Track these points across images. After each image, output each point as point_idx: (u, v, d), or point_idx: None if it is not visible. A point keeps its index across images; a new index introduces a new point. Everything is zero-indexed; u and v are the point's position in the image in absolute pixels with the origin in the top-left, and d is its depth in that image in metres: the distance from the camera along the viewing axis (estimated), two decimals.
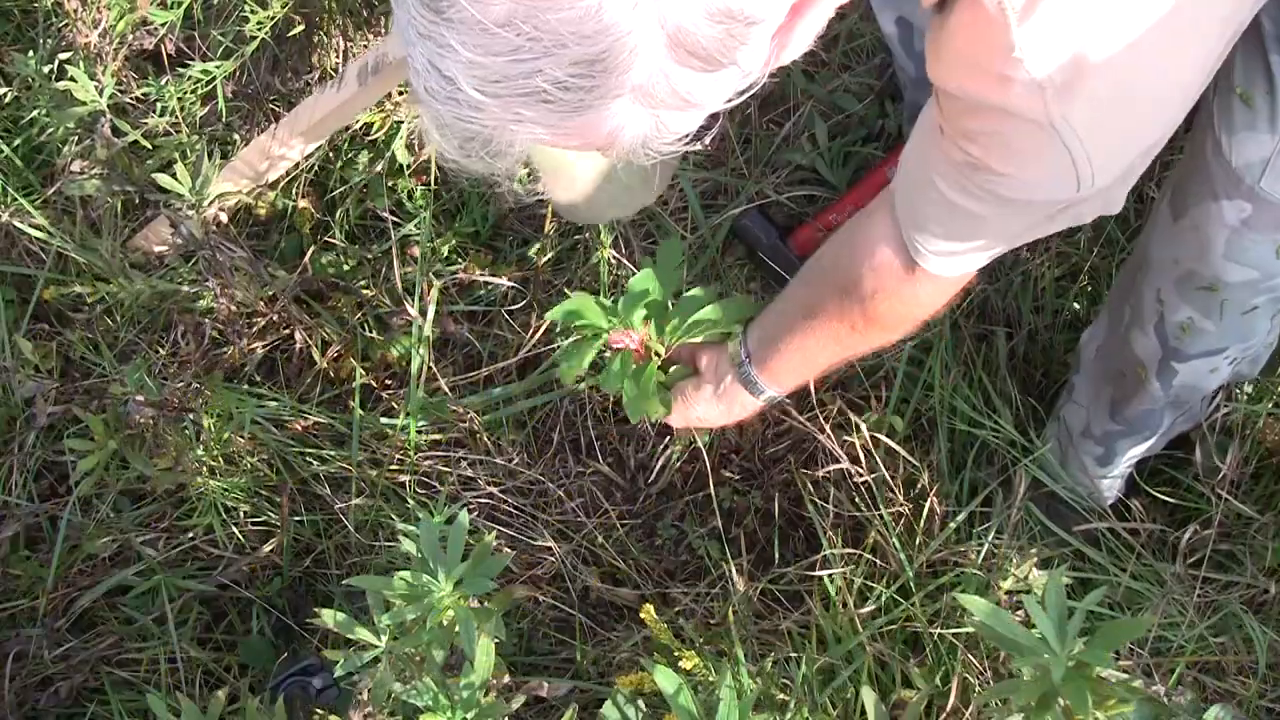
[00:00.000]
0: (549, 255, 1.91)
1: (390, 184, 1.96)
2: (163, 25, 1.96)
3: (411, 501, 1.76)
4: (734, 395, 1.51)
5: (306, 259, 1.88)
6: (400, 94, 1.97)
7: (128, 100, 1.99)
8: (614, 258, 1.86)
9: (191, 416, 1.68)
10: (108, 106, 1.82)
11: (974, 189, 1.10)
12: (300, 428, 1.79)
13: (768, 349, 1.46)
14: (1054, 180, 1.05)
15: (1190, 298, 1.31)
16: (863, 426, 1.63)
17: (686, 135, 0.86)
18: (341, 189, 1.97)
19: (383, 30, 1.99)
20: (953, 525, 1.57)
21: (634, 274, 1.84)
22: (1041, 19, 0.92)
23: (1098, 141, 1.01)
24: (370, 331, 1.87)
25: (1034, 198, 1.10)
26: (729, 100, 0.84)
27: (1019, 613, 1.15)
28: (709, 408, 1.54)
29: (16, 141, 1.95)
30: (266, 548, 1.75)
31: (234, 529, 1.76)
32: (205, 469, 1.72)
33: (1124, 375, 1.48)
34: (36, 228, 1.86)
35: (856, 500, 1.61)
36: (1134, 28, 0.94)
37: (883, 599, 1.54)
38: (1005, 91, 0.97)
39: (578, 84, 0.77)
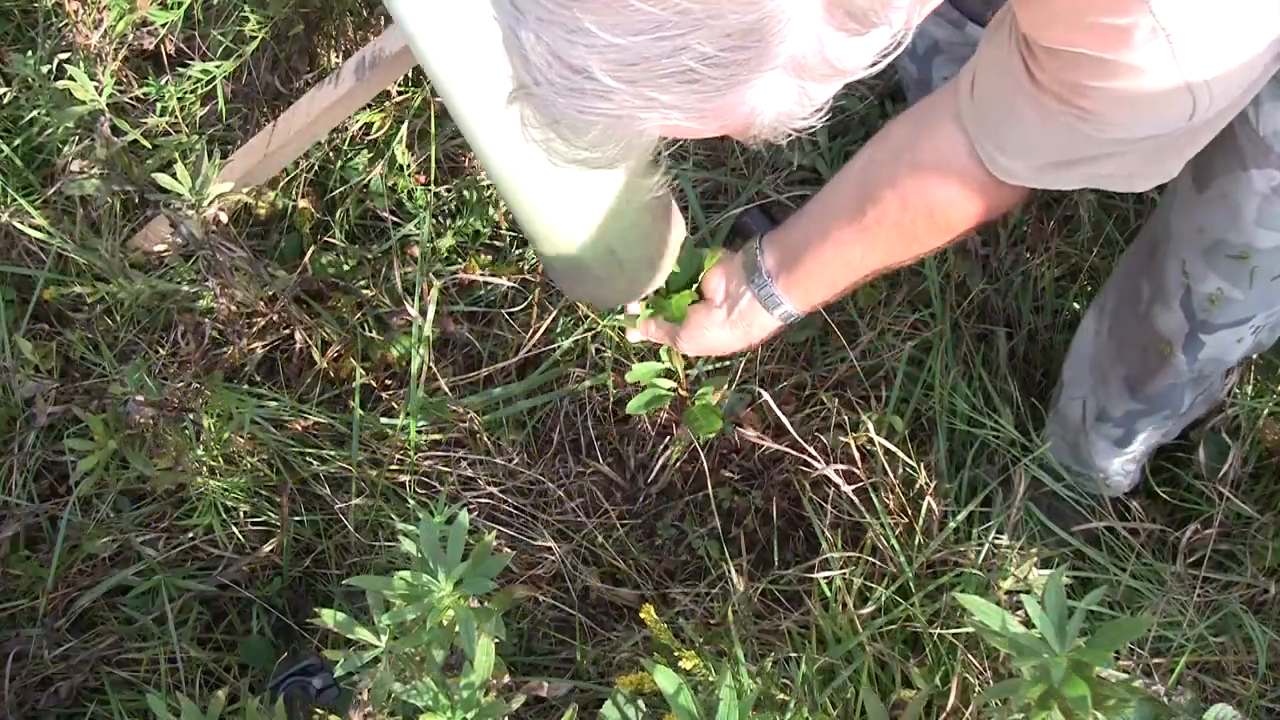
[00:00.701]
0: None
1: (390, 184, 1.96)
2: (163, 25, 1.96)
3: (411, 501, 1.76)
4: (751, 316, 1.46)
5: (306, 259, 1.88)
6: (400, 92, 1.97)
7: (127, 100, 1.99)
8: None
9: (191, 416, 1.68)
10: (107, 106, 1.82)
11: (1077, 133, 1.09)
12: (300, 428, 1.79)
13: (797, 263, 1.40)
14: (1169, 118, 1.04)
15: (1219, 267, 1.30)
16: (862, 427, 1.63)
17: (822, 107, 0.81)
18: (341, 189, 1.97)
19: (382, 28, 1.99)
20: (952, 525, 1.57)
21: None
22: None
23: (1221, 71, 0.99)
24: (370, 331, 1.87)
25: (1144, 134, 1.09)
26: (870, 65, 0.79)
27: (1019, 613, 1.15)
28: (722, 332, 1.49)
29: (16, 141, 1.95)
30: (266, 548, 1.75)
31: (234, 529, 1.76)
32: (205, 469, 1.72)
33: (1144, 353, 1.47)
34: (36, 228, 1.86)
35: (855, 501, 1.61)
36: None
37: (882, 599, 1.54)
38: (1123, 43, 0.95)
39: (728, 59, 0.71)
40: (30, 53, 1.94)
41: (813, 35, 0.73)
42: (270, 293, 1.81)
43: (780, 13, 0.71)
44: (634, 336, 1.58)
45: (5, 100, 1.95)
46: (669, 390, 1.64)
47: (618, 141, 0.79)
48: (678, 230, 1.47)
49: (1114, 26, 0.95)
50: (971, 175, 1.24)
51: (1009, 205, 1.29)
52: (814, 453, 1.61)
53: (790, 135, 0.81)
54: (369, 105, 1.94)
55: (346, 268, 1.93)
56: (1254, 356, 1.69)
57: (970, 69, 1.21)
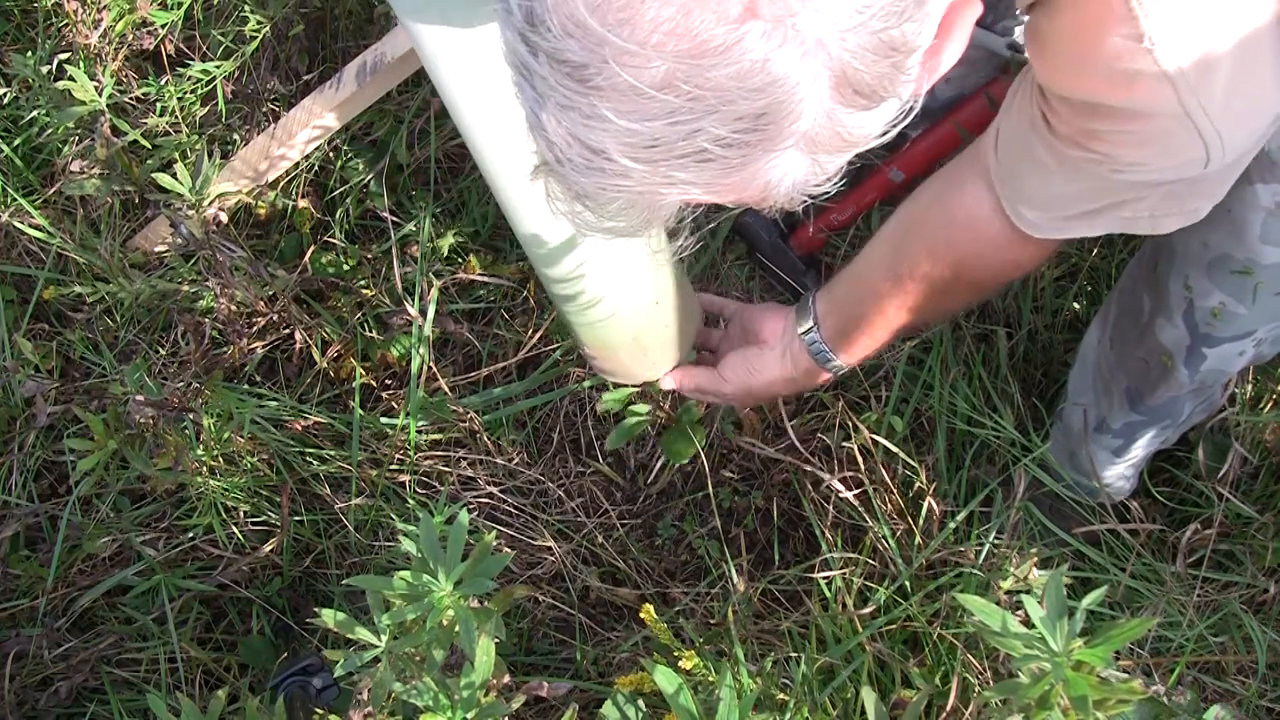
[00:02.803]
0: None
1: (390, 184, 1.96)
2: (163, 26, 1.96)
3: (411, 501, 1.76)
4: (800, 365, 1.51)
5: (306, 259, 1.88)
6: (400, 92, 1.97)
7: (127, 100, 1.99)
8: None
9: (191, 416, 1.68)
10: (107, 106, 1.82)
11: (1095, 178, 1.11)
12: (300, 428, 1.79)
13: (844, 316, 1.46)
14: (1184, 164, 1.06)
15: (1223, 282, 1.30)
16: (862, 428, 1.63)
17: (835, 175, 0.84)
18: (341, 189, 1.97)
19: (383, 32, 1.99)
20: (952, 525, 1.57)
21: None
22: (1168, 3, 0.92)
23: (1229, 118, 1.01)
24: (370, 331, 1.87)
25: (1165, 179, 1.11)
26: (882, 134, 0.82)
27: (1019, 613, 1.15)
28: (772, 378, 1.54)
29: (16, 141, 1.95)
30: (266, 548, 1.75)
31: (234, 529, 1.76)
32: (205, 469, 1.72)
33: (1146, 365, 1.48)
34: (36, 228, 1.86)
35: (855, 502, 1.61)
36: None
37: (882, 599, 1.54)
38: (1131, 90, 0.97)
39: (742, 139, 0.74)
40: (30, 53, 1.94)
41: (823, 113, 0.76)
42: (270, 293, 1.81)
43: (789, 97, 0.73)
44: (667, 384, 1.63)
45: (5, 100, 1.95)
46: (646, 414, 1.69)
47: (640, 212, 0.82)
48: (696, 317, 1.63)
49: (1121, 74, 0.96)
50: (998, 231, 1.27)
51: (1034, 261, 1.32)
52: (810, 456, 1.61)
53: (806, 201, 0.83)
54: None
55: (346, 268, 1.93)
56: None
57: (995, 125, 1.24)
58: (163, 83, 1.96)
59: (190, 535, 1.76)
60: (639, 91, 0.72)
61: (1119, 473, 1.67)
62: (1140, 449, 1.62)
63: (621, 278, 1.44)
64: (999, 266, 1.32)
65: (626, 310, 1.47)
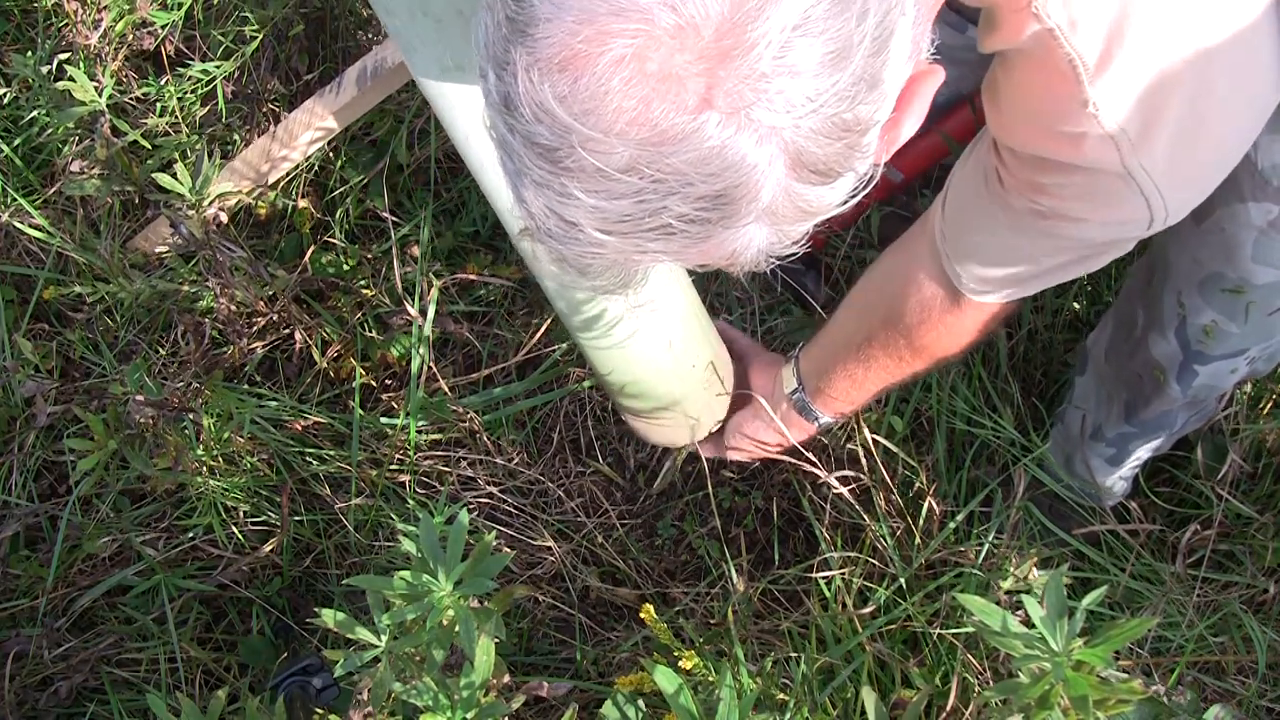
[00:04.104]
0: None
1: (390, 184, 1.96)
2: (163, 26, 1.96)
3: (411, 501, 1.75)
4: (790, 422, 1.60)
5: (306, 259, 1.88)
6: (400, 92, 1.97)
7: (128, 100, 1.99)
8: None
9: (191, 416, 1.68)
10: (107, 106, 1.82)
11: (1038, 234, 1.14)
12: (300, 428, 1.79)
13: (820, 379, 1.54)
14: (1128, 223, 1.09)
15: (1214, 300, 1.30)
16: (862, 427, 1.63)
17: (800, 239, 0.87)
18: (341, 189, 1.97)
19: (383, 33, 1.99)
20: (952, 525, 1.57)
21: None
22: (1116, 72, 0.95)
23: (1173, 182, 1.03)
24: (370, 331, 1.87)
25: (1106, 238, 1.15)
26: (844, 202, 0.85)
27: (1019, 613, 1.15)
28: (767, 434, 1.63)
29: (16, 141, 1.95)
30: (266, 548, 1.75)
31: (234, 529, 1.76)
32: (205, 469, 1.72)
33: (1140, 379, 1.48)
34: (36, 228, 1.86)
35: (855, 501, 1.61)
36: (1204, 69, 0.97)
37: (882, 599, 1.54)
38: (1077, 148, 1.00)
39: (704, 216, 0.78)
40: (30, 53, 1.94)
41: (780, 190, 0.79)
42: (270, 293, 1.81)
43: (746, 179, 0.77)
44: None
45: (5, 100, 1.95)
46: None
47: (618, 274, 0.88)
48: (729, 380, 1.68)
49: (1067, 134, 1.00)
50: (942, 298, 1.32)
51: (976, 327, 1.35)
52: (810, 456, 1.61)
53: (774, 263, 0.87)
54: None
55: (346, 268, 1.93)
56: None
57: (946, 188, 1.28)
58: (163, 83, 1.96)
59: (190, 535, 1.76)
60: (605, 174, 0.76)
61: (1116, 476, 1.67)
62: (1134, 458, 1.63)
63: (661, 354, 1.52)
64: (945, 333, 1.36)
65: (667, 374, 1.55)
